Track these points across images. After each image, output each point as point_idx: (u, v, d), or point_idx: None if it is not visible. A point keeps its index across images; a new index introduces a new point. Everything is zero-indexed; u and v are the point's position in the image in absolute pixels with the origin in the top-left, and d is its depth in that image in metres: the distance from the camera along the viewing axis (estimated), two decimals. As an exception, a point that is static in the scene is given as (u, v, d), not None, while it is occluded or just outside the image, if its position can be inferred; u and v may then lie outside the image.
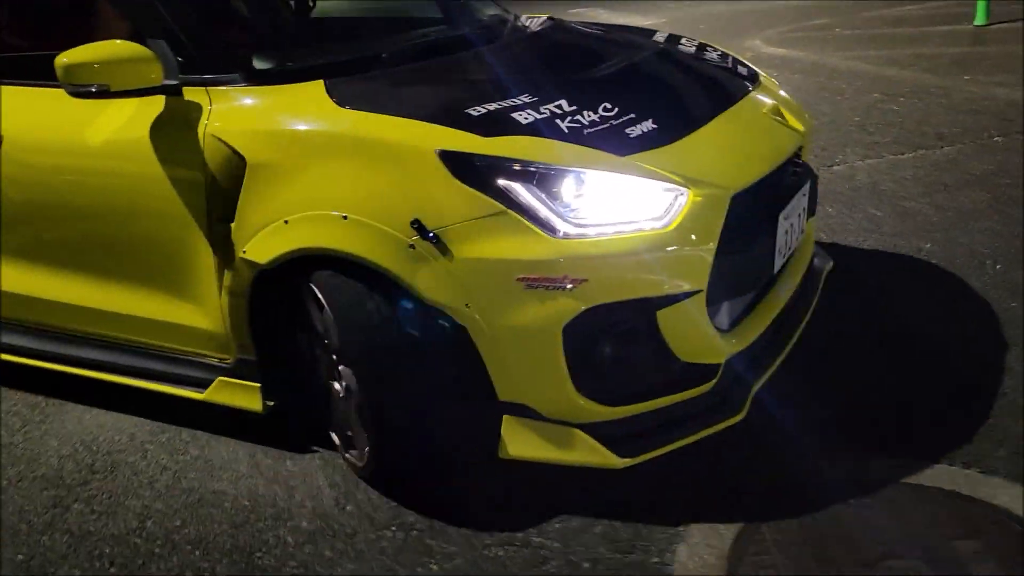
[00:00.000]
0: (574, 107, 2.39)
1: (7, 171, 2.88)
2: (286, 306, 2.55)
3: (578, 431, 2.24)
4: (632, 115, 2.41)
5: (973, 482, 2.42)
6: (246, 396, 2.67)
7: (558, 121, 2.32)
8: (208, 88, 2.50)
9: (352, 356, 2.36)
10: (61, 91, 2.50)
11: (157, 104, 2.54)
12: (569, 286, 2.10)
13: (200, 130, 2.44)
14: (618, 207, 2.19)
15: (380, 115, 2.34)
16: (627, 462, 2.24)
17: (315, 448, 2.84)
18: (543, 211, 2.14)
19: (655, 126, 2.39)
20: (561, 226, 2.13)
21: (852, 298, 3.48)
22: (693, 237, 2.18)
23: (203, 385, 2.77)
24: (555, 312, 2.12)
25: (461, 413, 2.36)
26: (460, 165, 2.18)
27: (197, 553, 2.44)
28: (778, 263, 2.59)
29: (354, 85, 2.54)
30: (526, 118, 2.31)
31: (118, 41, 2.44)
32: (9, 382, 3.43)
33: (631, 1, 14.26)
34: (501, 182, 2.15)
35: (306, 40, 3.63)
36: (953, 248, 3.87)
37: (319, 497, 2.62)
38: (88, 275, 2.91)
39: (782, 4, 12.57)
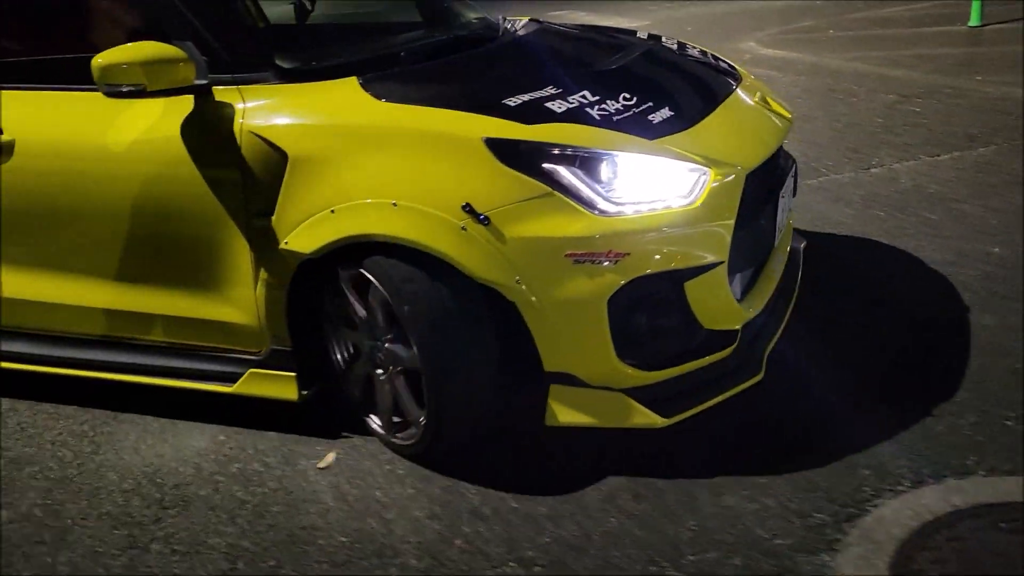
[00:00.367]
0: (597, 97, 2.57)
1: (22, 178, 2.85)
2: (327, 295, 2.66)
3: (623, 395, 2.41)
4: (650, 104, 2.60)
5: None
6: (280, 386, 2.75)
7: (588, 110, 2.50)
8: (240, 87, 2.56)
9: (413, 333, 2.43)
10: (70, 94, 2.73)
11: (184, 104, 2.58)
12: (613, 260, 2.27)
13: (236, 127, 2.51)
14: (650, 186, 2.37)
15: (424, 107, 2.47)
16: (668, 421, 2.42)
17: (403, 476, 2.66)
18: (585, 191, 2.29)
19: (672, 113, 2.59)
20: (602, 205, 2.29)
21: (951, 302, 3.36)
22: (716, 213, 2.38)
23: (232, 379, 2.81)
24: (601, 285, 2.28)
25: (509, 384, 2.54)
26: (506, 151, 2.32)
27: (301, 597, 2.25)
28: (777, 237, 2.85)
29: (389, 81, 2.64)
30: (560, 107, 2.48)
31: (151, 42, 2.47)
32: (37, 395, 3.23)
33: (609, 3, 14.17)
34: (546, 166, 2.31)
35: (313, 43, 3.64)
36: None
37: (421, 530, 2.44)
38: (111, 278, 2.90)
39: (762, 5, 12.54)
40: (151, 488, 2.74)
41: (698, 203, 2.35)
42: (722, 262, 2.39)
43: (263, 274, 2.60)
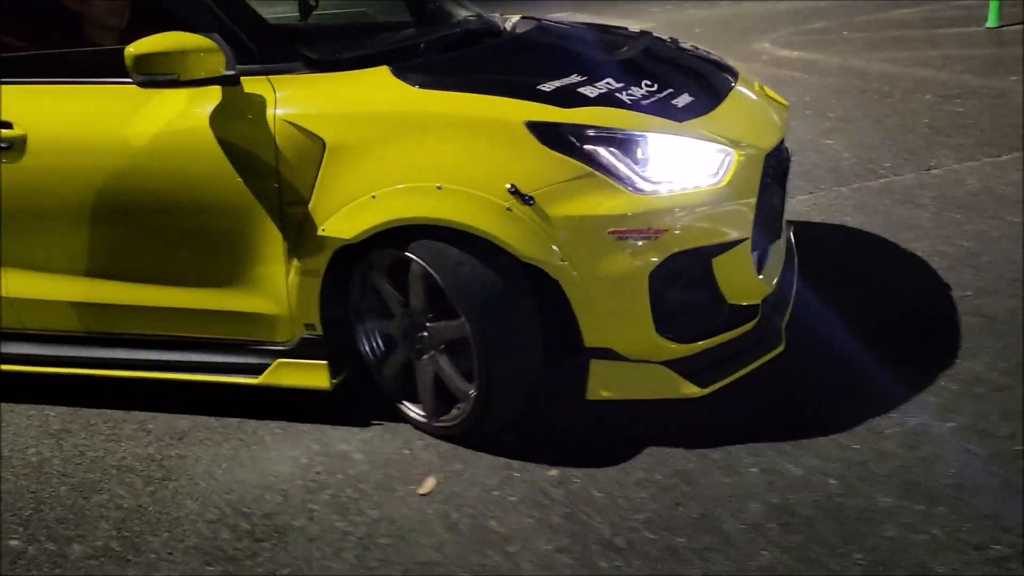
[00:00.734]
0: (621, 84, 2.65)
1: (34, 175, 2.79)
2: (355, 285, 2.69)
3: (662, 367, 2.48)
4: (670, 90, 2.70)
5: None
6: (310, 374, 2.75)
7: (618, 94, 2.58)
8: (270, 77, 2.57)
9: (464, 309, 2.46)
10: (84, 88, 2.77)
11: (209, 95, 2.57)
12: (653, 237, 2.35)
13: (269, 117, 2.52)
14: (682, 166, 2.46)
15: (463, 93, 2.52)
16: (706, 390, 2.51)
17: (521, 508, 2.43)
18: (624, 171, 2.37)
19: (692, 99, 2.69)
20: (640, 184, 2.38)
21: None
22: (740, 192, 2.48)
23: (256, 371, 2.80)
24: (643, 260, 2.37)
25: (551, 360, 2.59)
26: (547, 134, 2.39)
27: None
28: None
29: (420, 70, 2.67)
30: (591, 92, 2.56)
31: (182, 32, 2.47)
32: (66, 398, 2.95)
33: (609, 5, 14.00)
34: (587, 147, 2.38)
35: (318, 39, 3.63)
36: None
37: (553, 566, 2.23)
38: (130, 274, 2.87)
39: (766, 8, 12.43)
40: (238, 518, 2.50)
41: (724, 182, 2.46)
42: (746, 238, 2.50)
43: (296, 262, 2.61)
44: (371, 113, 2.53)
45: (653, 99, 2.62)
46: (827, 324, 3.20)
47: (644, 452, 2.61)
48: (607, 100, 2.53)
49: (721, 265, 2.48)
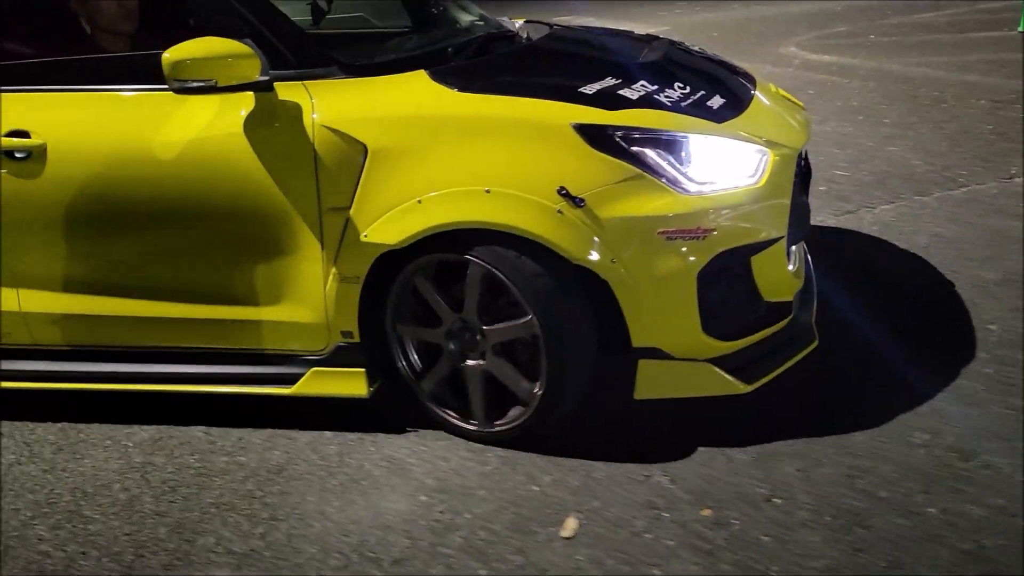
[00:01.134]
0: (655, 86, 2.65)
1: (55, 186, 2.68)
2: (393, 294, 2.63)
3: (709, 365, 2.50)
4: (702, 92, 2.72)
5: None
6: (348, 382, 2.71)
7: (657, 96, 2.58)
8: (305, 83, 2.52)
9: (535, 310, 2.44)
10: (106, 95, 2.67)
11: (241, 102, 2.52)
12: (702, 236, 2.36)
13: (308, 122, 2.48)
14: (723, 166, 2.48)
15: (507, 97, 2.50)
16: (752, 387, 2.53)
17: (677, 550, 2.21)
18: (671, 171, 2.39)
19: (724, 100, 2.71)
20: (686, 184, 2.39)
21: None
22: (776, 191, 2.51)
23: (289, 381, 2.75)
24: (692, 260, 2.38)
25: (603, 361, 2.59)
26: (595, 136, 2.39)
27: None
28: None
29: (459, 74, 2.62)
30: (632, 94, 2.56)
31: (217, 38, 2.42)
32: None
33: (618, 8, 13.85)
34: (634, 149, 2.39)
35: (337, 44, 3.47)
36: None
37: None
38: (159, 285, 2.78)
39: (777, 11, 12.34)
40: (366, 565, 2.28)
41: (763, 182, 2.47)
42: (782, 237, 2.52)
43: (335, 269, 2.56)
44: (414, 117, 2.49)
45: (689, 101, 2.63)
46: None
47: (786, 482, 2.41)
48: (648, 102, 2.54)
49: (759, 263, 2.51)
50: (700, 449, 2.62)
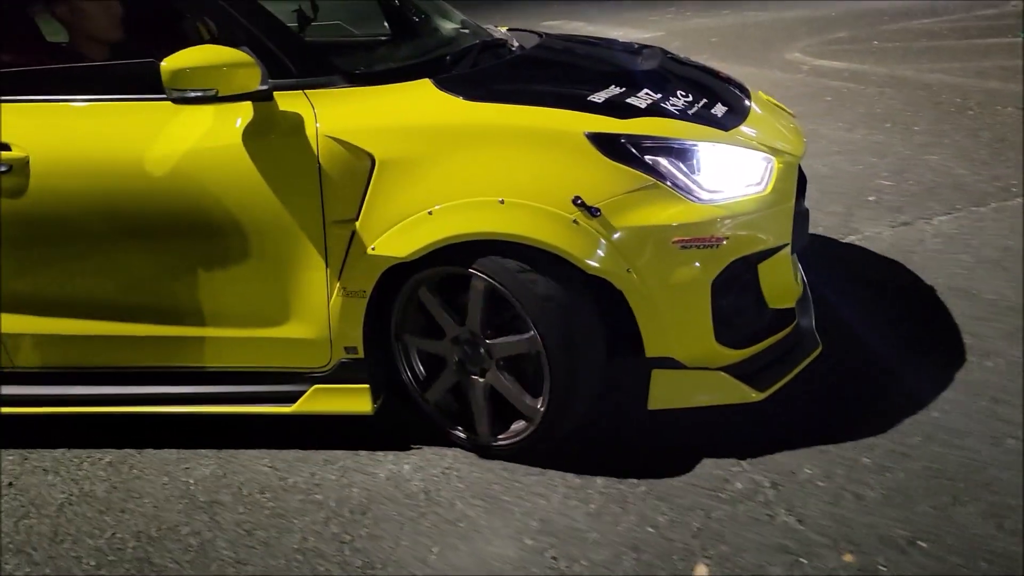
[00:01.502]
0: (660, 94, 2.62)
1: (40, 200, 2.52)
2: (397, 307, 2.58)
3: (722, 373, 2.46)
4: (705, 100, 2.70)
5: None
6: (351, 399, 2.63)
7: (663, 104, 2.56)
8: (307, 91, 2.44)
9: (537, 325, 2.38)
10: (94, 106, 2.52)
11: (238, 112, 2.42)
12: (715, 245, 2.34)
13: (311, 132, 2.38)
14: (732, 174, 2.46)
15: (517, 106, 2.44)
16: (764, 394, 2.50)
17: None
18: (683, 180, 2.36)
19: (726, 108, 2.70)
20: (698, 192, 2.36)
21: None
22: (781, 198, 2.50)
23: (290, 399, 2.65)
24: (706, 268, 2.36)
25: (615, 371, 2.58)
26: (608, 145, 2.35)
27: None
28: None
29: (465, 82, 2.57)
30: (639, 103, 2.53)
31: (216, 46, 2.33)
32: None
33: (609, 15, 13.71)
34: (648, 158, 2.36)
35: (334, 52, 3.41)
36: None
37: None
38: (151, 304, 2.65)
39: (768, 17, 12.23)
40: (486, 622, 2.05)
41: (769, 189, 2.47)
42: (788, 244, 2.53)
43: (340, 283, 2.48)
44: (423, 127, 2.41)
45: (694, 109, 2.61)
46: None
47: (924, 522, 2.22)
48: (656, 111, 2.51)
49: (765, 270, 2.50)
50: (819, 484, 2.44)
